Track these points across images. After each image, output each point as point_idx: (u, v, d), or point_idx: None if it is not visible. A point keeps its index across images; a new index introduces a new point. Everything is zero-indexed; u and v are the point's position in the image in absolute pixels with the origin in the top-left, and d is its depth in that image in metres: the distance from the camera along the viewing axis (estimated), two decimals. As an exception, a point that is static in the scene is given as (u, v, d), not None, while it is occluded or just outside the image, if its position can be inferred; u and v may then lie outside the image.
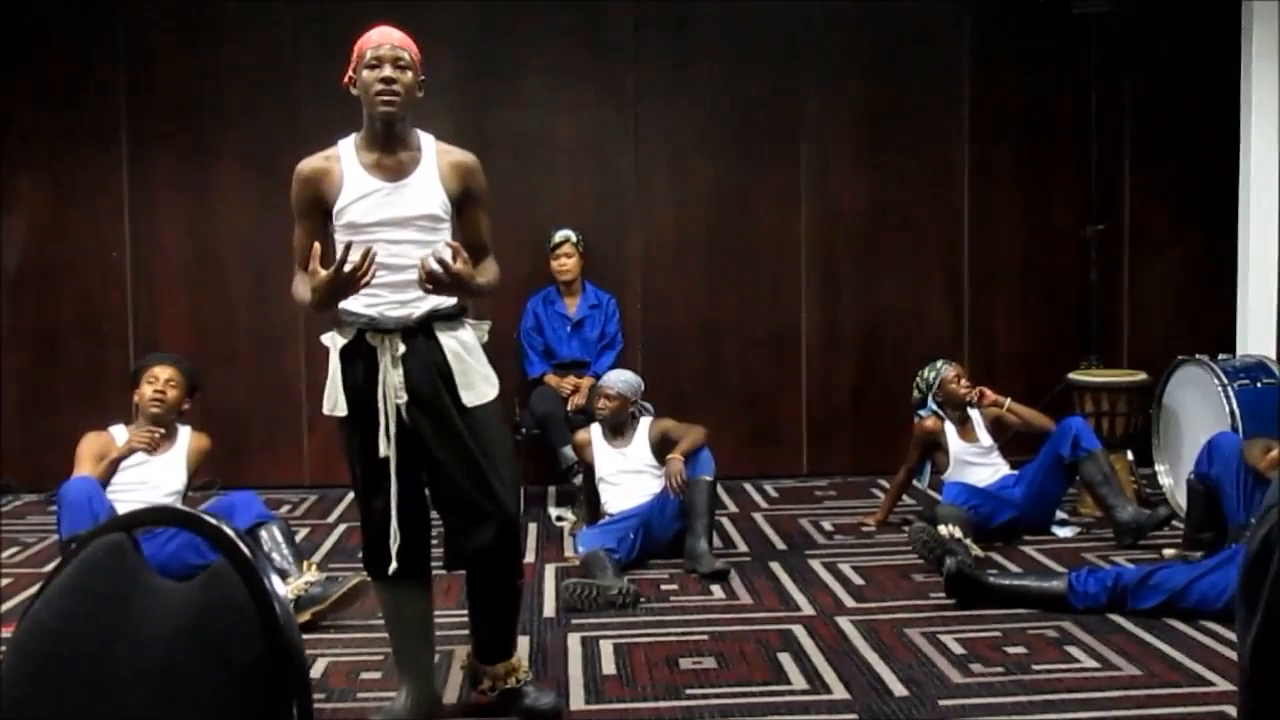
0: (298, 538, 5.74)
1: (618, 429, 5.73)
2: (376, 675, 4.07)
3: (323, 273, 3.18)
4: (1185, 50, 7.15)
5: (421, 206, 3.46)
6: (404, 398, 3.43)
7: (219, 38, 7.04)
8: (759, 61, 7.20)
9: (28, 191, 7.04)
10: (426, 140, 3.55)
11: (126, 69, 7.02)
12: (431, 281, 3.28)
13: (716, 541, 5.47)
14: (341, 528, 6.19)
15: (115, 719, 1.28)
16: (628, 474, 5.61)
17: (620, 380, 5.76)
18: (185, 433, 5.23)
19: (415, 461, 3.50)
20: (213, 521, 1.37)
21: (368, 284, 3.24)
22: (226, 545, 1.34)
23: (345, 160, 3.46)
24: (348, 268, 3.17)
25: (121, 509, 4.83)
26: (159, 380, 5.10)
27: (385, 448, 3.43)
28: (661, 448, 5.59)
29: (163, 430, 5.05)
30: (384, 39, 3.45)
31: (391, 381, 3.42)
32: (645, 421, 5.74)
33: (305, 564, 4.84)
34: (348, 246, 3.19)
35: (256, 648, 1.26)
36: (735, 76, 7.19)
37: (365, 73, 3.42)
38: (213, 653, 1.28)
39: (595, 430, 5.79)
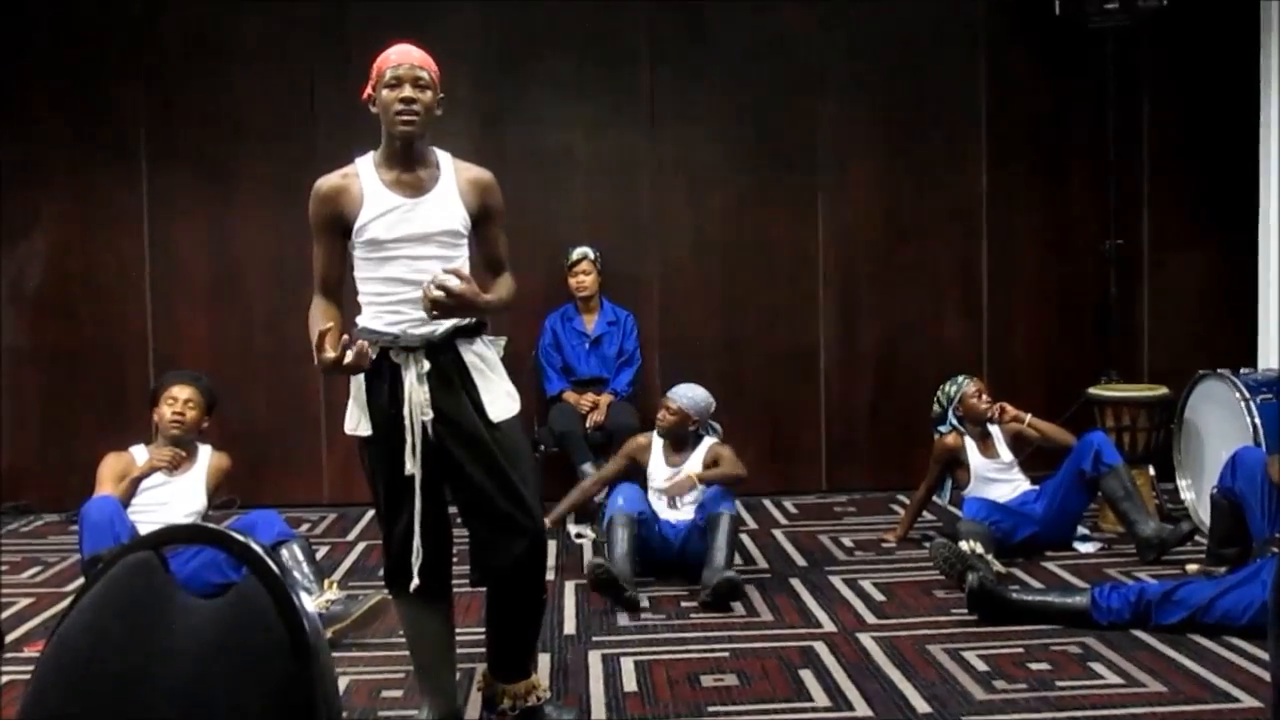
0: (318, 556, 5.76)
1: (677, 443, 5.61)
2: (398, 694, 4.06)
3: (329, 355, 3.20)
4: (1202, 64, 7.13)
5: (442, 222, 3.47)
6: (430, 415, 3.43)
7: (238, 58, 7.08)
8: (776, 81, 7.20)
9: (48, 210, 7.09)
10: (444, 157, 3.56)
11: (146, 89, 7.05)
12: (436, 307, 3.29)
13: (736, 558, 5.45)
14: (361, 545, 6.19)
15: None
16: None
17: (685, 396, 5.59)
18: (205, 452, 5.24)
19: (440, 478, 3.50)
20: (241, 539, 1.37)
21: (358, 359, 3.26)
22: (255, 563, 1.34)
23: (364, 177, 3.47)
24: (348, 361, 3.20)
25: (142, 529, 4.84)
26: (178, 401, 5.11)
27: (411, 465, 3.43)
28: None
29: (184, 452, 5.06)
30: (403, 58, 3.46)
31: (418, 399, 3.42)
32: (707, 442, 5.61)
33: (326, 582, 4.84)
34: (322, 335, 3.20)
35: (286, 665, 1.26)
36: (753, 96, 7.20)
37: (385, 92, 3.43)
38: (243, 670, 1.28)
39: (655, 438, 5.68)
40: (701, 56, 7.19)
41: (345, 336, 3.24)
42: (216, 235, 7.14)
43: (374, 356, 3.31)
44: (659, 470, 5.59)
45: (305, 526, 6.55)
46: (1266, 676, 3.95)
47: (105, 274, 7.10)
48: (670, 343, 7.20)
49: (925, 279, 7.26)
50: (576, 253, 6.73)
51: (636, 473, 5.65)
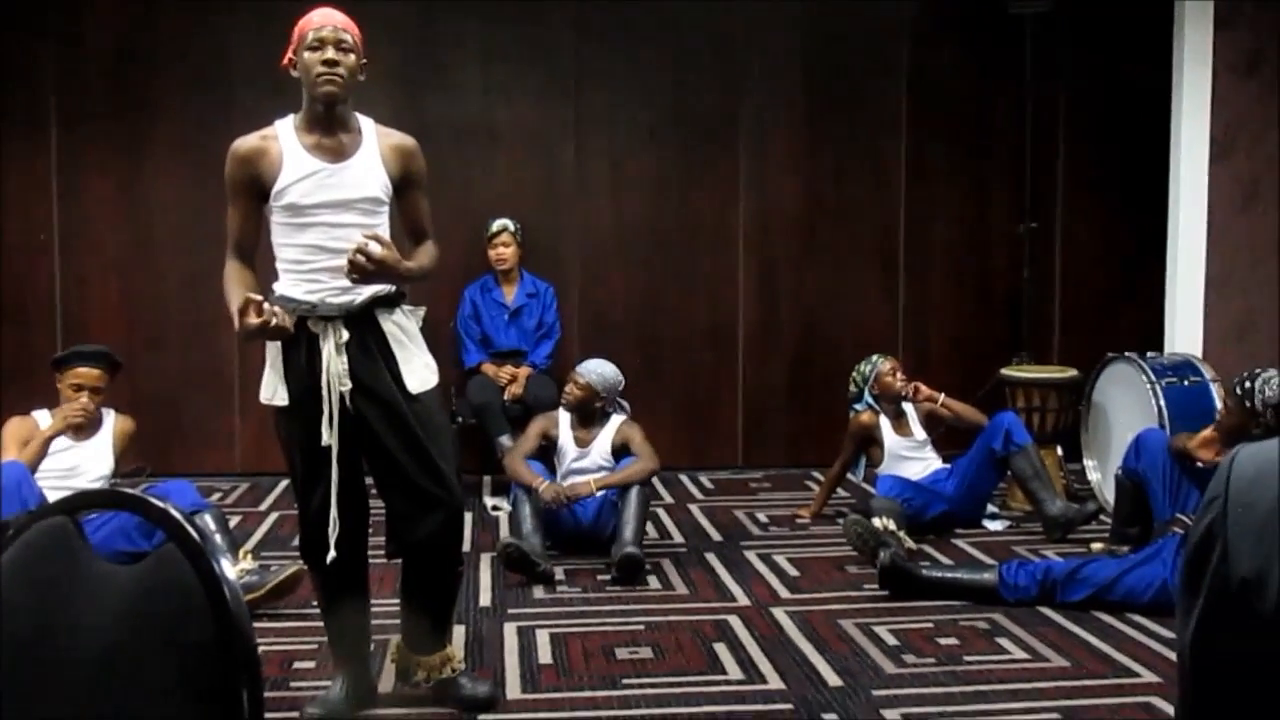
0: (230, 526, 5.68)
1: (585, 419, 5.54)
2: (311, 664, 4.04)
3: (251, 321, 3.12)
4: (1119, 51, 7.25)
5: (363, 189, 3.43)
6: (349, 385, 3.39)
7: (152, 20, 6.91)
8: (700, 54, 7.20)
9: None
10: (366, 123, 3.52)
11: (56, 51, 6.86)
12: (356, 271, 3.25)
13: (652, 531, 5.47)
14: (274, 516, 6.12)
15: (62, 703, 1.26)
16: (583, 469, 5.45)
17: (594, 372, 5.52)
18: (110, 416, 5.14)
19: (357, 449, 3.47)
20: (159, 504, 1.35)
21: (281, 327, 3.21)
22: (174, 528, 1.32)
23: (284, 140, 3.41)
24: (254, 324, 3.12)
25: (50, 496, 4.75)
26: (83, 391, 4.97)
27: (328, 436, 3.40)
28: (621, 452, 5.44)
29: (93, 405, 4.95)
30: (326, 20, 3.41)
31: (336, 369, 3.38)
32: (615, 420, 5.55)
33: (240, 552, 4.79)
34: (247, 302, 3.13)
35: (206, 630, 1.24)
36: (676, 68, 7.19)
37: (306, 54, 3.38)
38: (161, 636, 1.26)
39: (563, 414, 5.60)
40: (625, 27, 7.17)
41: (267, 305, 3.17)
42: (129, 197, 6.98)
43: (291, 327, 3.26)
44: (569, 447, 5.55)
45: (217, 496, 6.46)
46: (1166, 652, 4.07)
47: (11, 235, 6.91)
48: (590, 315, 7.19)
49: (844, 257, 7.32)
50: (496, 224, 6.68)
51: (549, 447, 5.62)
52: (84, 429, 5.01)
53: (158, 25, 6.91)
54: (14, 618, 1.34)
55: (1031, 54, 6.84)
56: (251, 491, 6.68)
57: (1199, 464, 4.89)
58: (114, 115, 6.91)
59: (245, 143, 3.43)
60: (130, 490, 1.57)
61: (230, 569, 1.31)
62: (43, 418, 5.04)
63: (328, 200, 3.38)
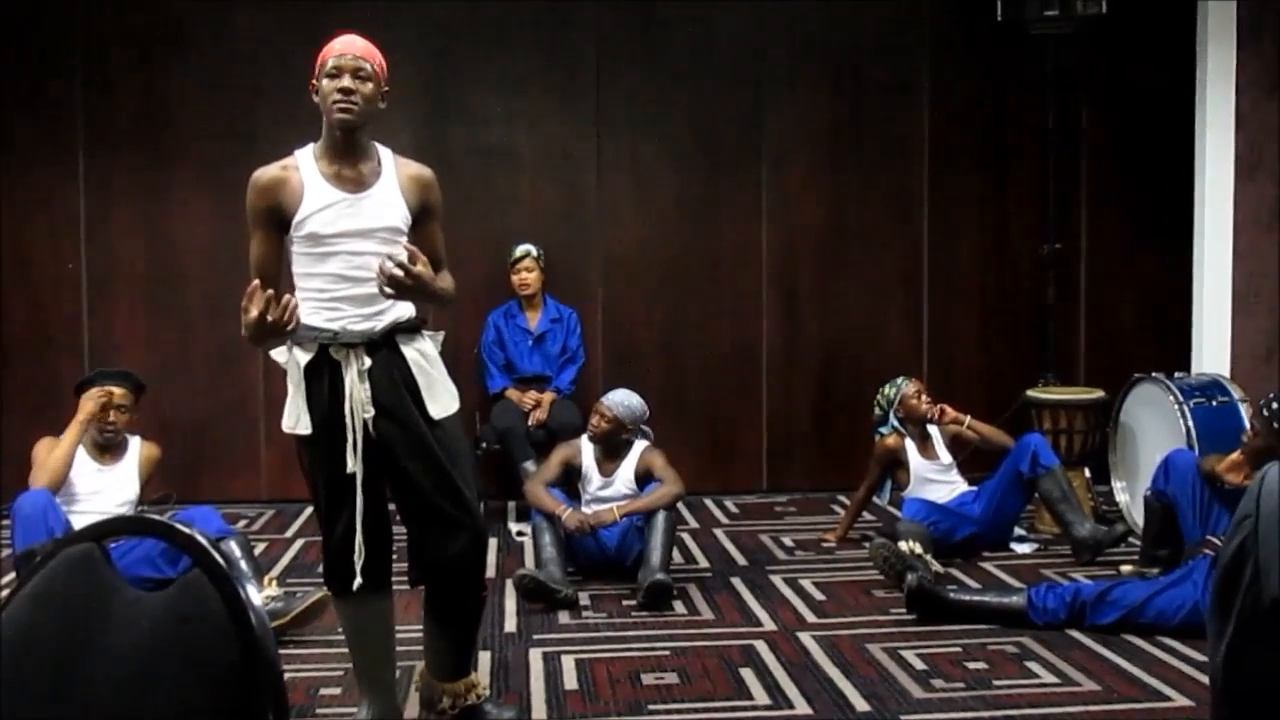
0: (256, 552, 5.70)
1: (610, 450, 5.51)
2: (337, 691, 4.03)
3: (253, 312, 3.12)
4: (1141, 71, 7.23)
5: (383, 219, 3.43)
6: (371, 412, 3.40)
7: (177, 49, 6.97)
8: (722, 79, 7.22)
9: (-19, 202, 6.95)
10: (385, 153, 3.53)
11: (83, 79, 6.94)
12: (392, 284, 3.25)
13: (677, 556, 5.46)
14: (299, 542, 6.13)
15: (89, 729, 1.26)
16: (608, 497, 5.43)
17: (621, 403, 5.46)
18: (135, 442, 5.19)
19: (380, 476, 3.47)
20: (185, 531, 1.35)
21: (293, 331, 3.21)
22: (200, 555, 1.32)
23: (305, 170, 3.42)
24: (270, 318, 3.12)
25: (75, 520, 4.78)
26: (108, 410, 5.02)
27: (353, 463, 3.40)
28: (644, 479, 5.41)
29: (109, 393, 4.97)
30: (346, 48, 3.42)
31: (359, 396, 3.39)
32: (639, 447, 5.52)
33: (265, 579, 4.79)
34: (269, 296, 3.13)
35: (232, 657, 1.24)
36: (699, 93, 7.21)
37: (325, 81, 3.39)
38: (187, 662, 1.26)
39: (586, 443, 5.57)
40: (648, 55, 7.20)
41: (270, 292, 3.14)
42: (155, 225, 7.03)
43: (296, 316, 3.22)
44: (593, 476, 5.54)
45: (243, 523, 6.47)
46: (1198, 675, 4.03)
47: (39, 263, 6.98)
48: (613, 341, 7.20)
49: (867, 281, 7.30)
50: (519, 250, 6.70)
51: (571, 475, 5.61)
52: (109, 447, 5.06)
53: (181, 56, 6.97)
54: (42, 643, 1.34)
55: (1053, 74, 6.83)
56: (277, 518, 6.69)
57: (1227, 486, 4.85)
58: (140, 145, 6.97)
59: (265, 173, 3.44)
60: (156, 517, 1.58)
61: (256, 595, 1.30)
62: (71, 443, 5.07)
63: (348, 230, 3.39)
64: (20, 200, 6.95)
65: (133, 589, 1.37)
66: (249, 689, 1.25)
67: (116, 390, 5.07)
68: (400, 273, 3.23)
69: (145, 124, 6.98)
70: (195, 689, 1.26)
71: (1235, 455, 4.87)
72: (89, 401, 5.00)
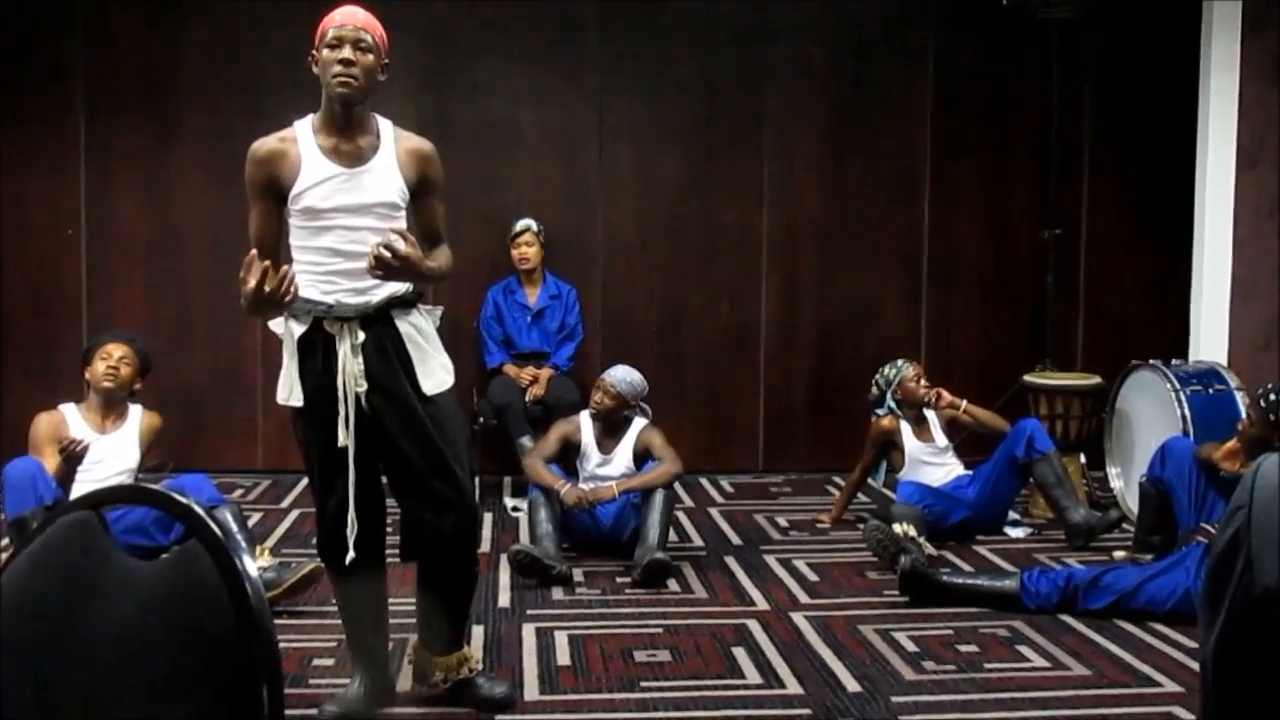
0: (251, 522, 5.73)
1: (610, 427, 5.53)
2: (329, 662, 4.05)
3: (251, 283, 3.11)
4: (1145, 56, 7.22)
5: (380, 194, 3.42)
6: (364, 386, 3.39)
7: (180, 14, 6.95)
8: (726, 58, 7.20)
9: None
10: (385, 126, 3.51)
11: (85, 44, 6.92)
12: (381, 267, 3.25)
13: (672, 535, 5.47)
14: (295, 513, 6.15)
15: (84, 695, 1.26)
16: (606, 475, 5.43)
17: (623, 379, 5.49)
18: (136, 411, 5.19)
19: (373, 450, 3.47)
20: (183, 500, 1.35)
21: (290, 303, 3.21)
22: (197, 524, 1.32)
23: (303, 143, 3.40)
24: (268, 289, 3.11)
25: (76, 488, 4.78)
26: (112, 357, 5.06)
27: (344, 437, 3.40)
28: (643, 458, 5.43)
29: (85, 443, 4.91)
30: (347, 19, 3.40)
31: (352, 370, 3.38)
32: (637, 425, 5.53)
33: (258, 548, 4.80)
34: (266, 266, 3.12)
35: (227, 625, 1.25)
36: (702, 72, 7.19)
37: (325, 52, 3.37)
38: (183, 630, 1.26)
39: (586, 418, 5.60)
40: (651, 31, 7.17)
41: (267, 263, 3.13)
42: (155, 193, 7.02)
43: (293, 285, 3.22)
44: (591, 453, 5.55)
45: (239, 492, 6.50)
46: (1188, 661, 4.05)
47: (40, 231, 6.97)
48: (612, 318, 7.20)
49: (867, 262, 7.30)
50: (520, 225, 6.69)
51: (569, 451, 5.62)
52: (110, 413, 5.07)
53: (185, 21, 6.95)
54: (39, 611, 1.35)
55: (1057, 59, 6.81)
56: (273, 488, 6.71)
57: (1223, 474, 4.86)
58: (141, 111, 6.95)
59: (264, 145, 3.42)
60: (154, 487, 1.58)
61: (252, 564, 1.31)
62: (69, 411, 5.07)
63: (345, 204, 3.37)
64: (20, 166, 6.93)
65: (128, 557, 1.38)
66: (244, 659, 1.26)
67: (121, 347, 5.09)
68: (388, 254, 3.22)
69: (147, 90, 6.96)
70: (190, 658, 1.26)
71: (1231, 443, 4.88)
72: (100, 374, 5.03)
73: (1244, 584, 1.26)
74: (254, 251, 3.17)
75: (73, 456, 4.77)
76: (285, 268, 3.19)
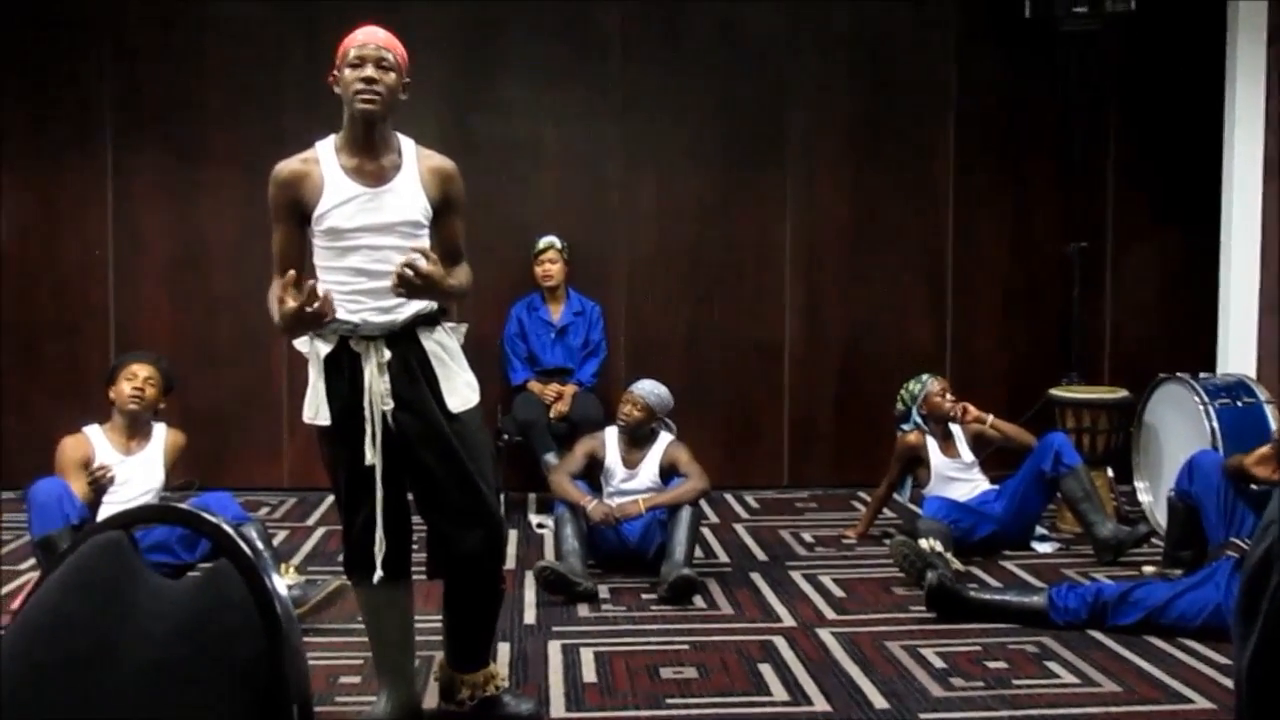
0: (277, 540, 5.75)
1: (635, 440, 5.53)
2: (356, 679, 4.05)
3: (290, 304, 3.13)
4: (1169, 69, 7.19)
5: (403, 213, 3.42)
6: (390, 404, 3.40)
7: (205, 38, 7.01)
8: (747, 73, 7.21)
9: (9, 185, 6.99)
10: (407, 144, 3.51)
11: (112, 68, 6.98)
12: (404, 285, 3.26)
13: (697, 551, 5.45)
14: (321, 531, 6.16)
15: (116, 716, 1.26)
16: (632, 490, 5.43)
17: (651, 392, 5.50)
18: (161, 430, 5.22)
19: (399, 467, 3.48)
20: (212, 520, 1.36)
21: (330, 321, 3.23)
22: (226, 543, 1.32)
23: (325, 163, 3.41)
24: (309, 310, 3.14)
25: (104, 509, 4.81)
26: (137, 378, 5.09)
27: (371, 455, 3.41)
28: (668, 473, 5.42)
29: (112, 473, 4.96)
30: (369, 38, 3.42)
31: (378, 388, 3.39)
32: (663, 440, 5.53)
33: (283, 566, 4.81)
34: (310, 286, 3.14)
35: (258, 645, 1.25)
36: (723, 87, 7.20)
37: (347, 71, 3.38)
38: (214, 650, 1.27)
39: (611, 433, 5.60)
40: (673, 48, 7.19)
41: (311, 283, 3.17)
42: (181, 215, 7.07)
43: (331, 307, 3.25)
44: (616, 469, 5.54)
45: (265, 510, 6.52)
46: (1220, 677, 4.01)
47: (67, 251, 7.02)
48: (636, 334, 7.20)
49: (891, 276, 7.29)
50: (543, 242, 6.71)
51: (594, 467, 5.61)
52: (135, 433, 5.09)
53: (207, 44, 7.00)
54: (71, 631, 1.35)
55: (1081, 72, 6.79)
56: (299, 505, 6.72)
57: (1255, 483, 4.81)
58: (165, 134, 7.01)
59: (286, 167, 3.44)
60: (182, 506, 1.58)
61: (282, 584, 1.31)
62: (94, 433, 5.10)
63: (369, 224, 3.38)
64: (49, 190, 6.99)
65: (158, 577, 1.38)
66: (274, 678, 1.26)
67: (145, 368, 5.12)
68: (410, 273, 3.23)
69: (172, 111, 7.01)
70: (220, 677, 1.26)
71: (1265, 449, 4.82)
72: (125, 396, 5.06)
73: (1277, 599, 1.25)
74: (291, 272, 3.19)
75: (100, 485, 4.81)
76: (325, 289, 3.21)
